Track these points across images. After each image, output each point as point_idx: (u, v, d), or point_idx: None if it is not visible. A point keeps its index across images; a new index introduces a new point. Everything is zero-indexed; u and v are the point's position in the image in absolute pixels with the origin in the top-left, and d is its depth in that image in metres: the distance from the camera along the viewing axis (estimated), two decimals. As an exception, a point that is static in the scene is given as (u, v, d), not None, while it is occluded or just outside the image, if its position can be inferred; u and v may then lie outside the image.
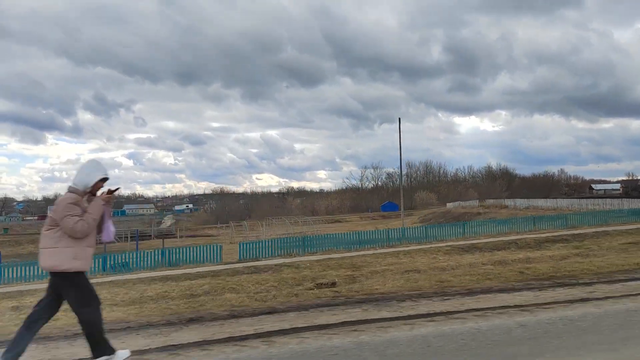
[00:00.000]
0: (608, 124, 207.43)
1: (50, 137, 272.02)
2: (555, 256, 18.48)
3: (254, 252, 18.80)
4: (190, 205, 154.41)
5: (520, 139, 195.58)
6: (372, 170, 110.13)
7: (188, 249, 18.12)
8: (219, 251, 18.19)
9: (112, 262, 16.56)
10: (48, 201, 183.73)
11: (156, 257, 17.39)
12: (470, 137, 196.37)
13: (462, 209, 51.01)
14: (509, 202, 45.71)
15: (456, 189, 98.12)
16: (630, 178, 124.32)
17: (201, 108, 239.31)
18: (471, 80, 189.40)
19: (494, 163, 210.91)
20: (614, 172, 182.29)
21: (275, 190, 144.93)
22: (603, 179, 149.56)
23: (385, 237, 21.11)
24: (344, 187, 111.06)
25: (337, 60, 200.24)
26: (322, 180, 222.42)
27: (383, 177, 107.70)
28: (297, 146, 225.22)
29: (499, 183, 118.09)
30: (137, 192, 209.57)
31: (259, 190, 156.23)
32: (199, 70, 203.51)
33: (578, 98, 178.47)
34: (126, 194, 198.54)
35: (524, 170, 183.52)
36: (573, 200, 39.38)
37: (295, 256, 20.12)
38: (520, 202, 43.32)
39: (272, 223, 44.43)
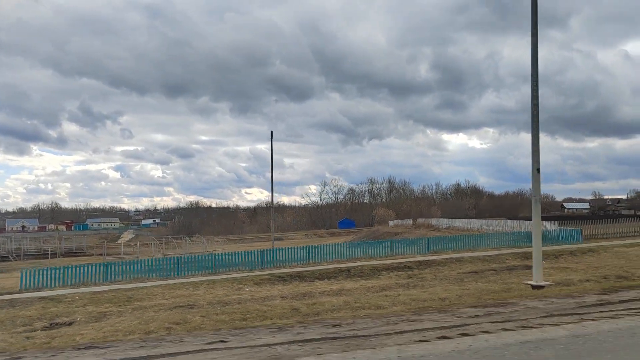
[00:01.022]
0: (593, 144, 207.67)
1: (35, 148, 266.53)
2: (374, 287, 16.54)
3: (42, 281, 16.63)
4: (157, 220, 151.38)
5: (508, 156, 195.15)
6: (332, 186, 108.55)
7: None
8: (-8, 279, 15.98)
9: None
10: (26, 213, 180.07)
11: None
12: (459, 154, 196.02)
13: (396, 227, 49.21)
14: (434, 221, 44.00)
15: (418, 207, 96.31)
16: (597, 197, 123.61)
17: (190, 121, 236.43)
18: (459, 97, 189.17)
19: (482, 180, 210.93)
20: (602, 191, 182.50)
21: (252, 205, 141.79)
22: (583, 197, 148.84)
23: (211, 264, 19.01)
24: (303, 204, 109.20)
25: (326, 75, 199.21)
26: (312, 195, 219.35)
27: (344, 193, 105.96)
28: (287, 160, 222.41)
29: (466, 201, 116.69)
30: (116, 206, 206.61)
31: (250, 205, 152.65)
32: (187, 83, 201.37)
33: (563, 117, 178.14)
34: (102, 207, 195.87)
35: (509, 188, 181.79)
36: (482, 221, 37.83)
37: (89, 285, 17.95)
38: (443, 222, 41.61)
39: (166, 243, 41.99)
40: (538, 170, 9.81)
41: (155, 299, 15.59)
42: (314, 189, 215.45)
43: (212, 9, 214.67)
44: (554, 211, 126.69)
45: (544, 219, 47.52)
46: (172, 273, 18.37)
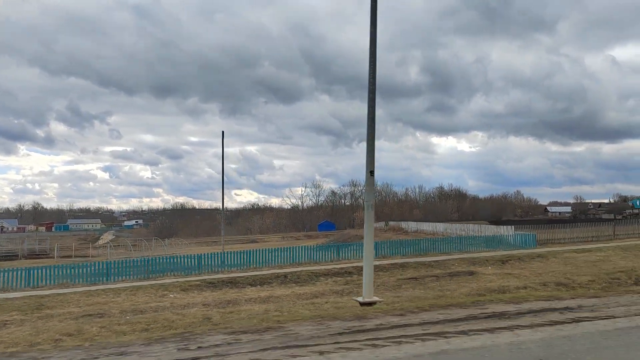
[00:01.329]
0: (580, 148, 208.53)
1: (22, 147, 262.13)
2: (305, 294, 15.90)
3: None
4: (140, 221, 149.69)
5: (497, 160, 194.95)
6: (312, 189, 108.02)
7: None
8: None
9: None
10: (10, 213, 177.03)
11: None
12: (448, 157, 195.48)
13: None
14: (404, 224, 43.63)
15: (400, 209, 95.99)
16: (579, 201, 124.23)
17: (179, 122, 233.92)
18: (448, 101, 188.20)
19: (471, 184, 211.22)
20: (589, 195, 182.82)
21: (241, 207, 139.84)
22: (568, 201, 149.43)
23: (144, 269, 18.25)
24: (284, 206, 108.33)
25: (315, 77, 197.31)
26: (293, 197, 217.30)
27: (325, 195, 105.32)
28: (277, 162, 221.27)
29: (449, 204, 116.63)
30: (103, 206, 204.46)
31: (239, 206, 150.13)
32: (176, 83, 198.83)
33: (551, 121, 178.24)
34: (88, 207, 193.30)
35: (498, 191, 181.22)
36: (447, 224, 37.44)
37: (8, 291, 17.07)
38: (412, 225, 41.31)
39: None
40: (372, 172, 9.07)
41: (68, 306, 14.83)
42: (299, 190, 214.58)
43: (202, 10, 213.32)
44: (537, 215, 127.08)
45: (513, 222, 47.31)
46: (102, 278, 17.59)
